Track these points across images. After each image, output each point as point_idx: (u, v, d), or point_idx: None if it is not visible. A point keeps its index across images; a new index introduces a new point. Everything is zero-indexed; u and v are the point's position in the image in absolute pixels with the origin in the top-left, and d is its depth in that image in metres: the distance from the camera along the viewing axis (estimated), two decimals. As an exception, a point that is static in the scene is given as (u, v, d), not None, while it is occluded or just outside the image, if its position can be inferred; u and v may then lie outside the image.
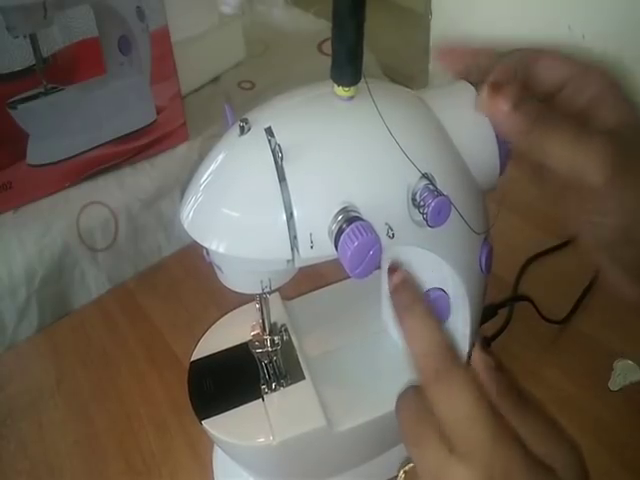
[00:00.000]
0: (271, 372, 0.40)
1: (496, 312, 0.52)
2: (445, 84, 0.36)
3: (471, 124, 0.33)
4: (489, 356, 0.29)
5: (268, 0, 1.04)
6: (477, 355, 0.29)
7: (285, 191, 0.30)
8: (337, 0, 0.27)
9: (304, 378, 0.40)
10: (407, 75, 0.88)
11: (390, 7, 0.90)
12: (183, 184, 0.30)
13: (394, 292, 0.30)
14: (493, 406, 0.26)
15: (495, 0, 0.77)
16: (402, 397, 0.29)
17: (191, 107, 0.75)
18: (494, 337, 0.50)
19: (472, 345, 0.42)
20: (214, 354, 0.42)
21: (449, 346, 0.27)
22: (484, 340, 0.45)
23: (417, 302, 0.29)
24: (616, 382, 0.49)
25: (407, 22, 0.90)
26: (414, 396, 0.28)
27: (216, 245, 0.31)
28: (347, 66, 0.29)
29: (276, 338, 0.40)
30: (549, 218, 0.44)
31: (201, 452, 0.48)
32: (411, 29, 0.86)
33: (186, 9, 0.76)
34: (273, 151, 0.30)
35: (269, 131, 0.30)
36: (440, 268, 0.36)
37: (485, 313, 0.43)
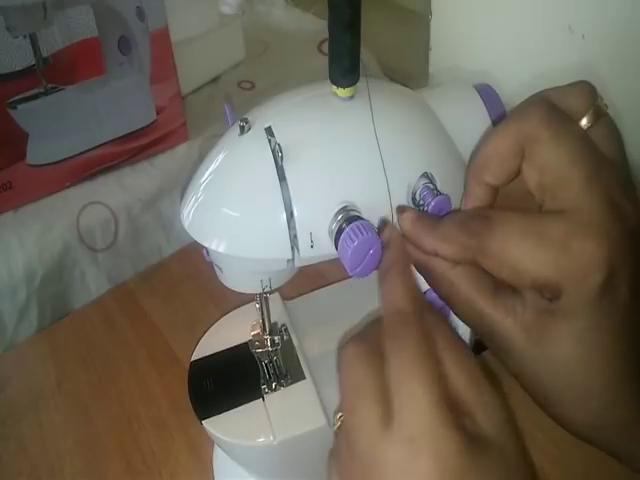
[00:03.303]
0: (271, 372, 0.40)
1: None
2: (445, 83, 0.37)
3: (471, 123, 0.34)
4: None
5: (268, 0, 1.04)
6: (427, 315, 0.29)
7: (285, 190, 0.30)
8: (333, 1, 0.27)
9: (304, 378, 0.40)
10: (407, 75, 0.88)
11: (390, 7, 0.90)
12: (183, 184, 0.30)
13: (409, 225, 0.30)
14: (444, 386, 0.25)
15: (495, 0, 0.77)
16: (347, 348, 0.27)
17: (191, 107, 0.75)
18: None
19: (472, 344, 0.42)
20: (214, 354, 0.42)
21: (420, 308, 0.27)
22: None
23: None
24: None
25: (407, 22, 0.90)
26: (361, 351, 0.27)
27: (216, 245, 0.31)
28: (344, 67, 0.29)
29: (276, 338, 0.40)
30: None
31: (201, 452, 0.48)
32: (411, 29, 0.86)
33: (186, 9, 0.76)
34: (273, 151, 0.30)
35: (269, 131, 0.30)
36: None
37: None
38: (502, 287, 0.29)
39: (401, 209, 0.31)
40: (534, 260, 0.26)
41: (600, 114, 0.29)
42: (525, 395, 0.48)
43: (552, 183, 0.27)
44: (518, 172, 0.29)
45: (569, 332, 0.27)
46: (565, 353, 0.27)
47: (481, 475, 0.23)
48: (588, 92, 0.29)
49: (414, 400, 0.24)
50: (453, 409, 0.24)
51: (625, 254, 0.26)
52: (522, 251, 0.26)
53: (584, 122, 0.29)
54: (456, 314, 0.31)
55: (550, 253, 0.26)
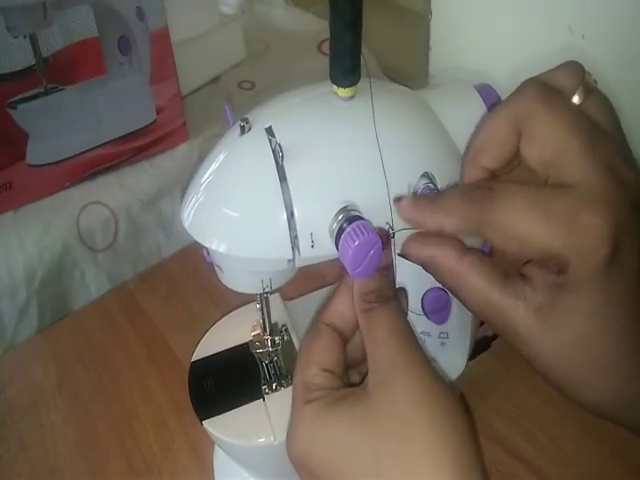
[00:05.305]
0: (272, 372, 0.40)
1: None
2: (445, 83, 0.37)
3: (471, 123, 0.33)
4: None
5: (268, 0, 1.04)
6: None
7: (286, 191, 0.30)
8: (334, 0, 0.27)
9: (305, 378, 0.40)
10: (407, 75, 0.88)
11: (390, 7, 0.90)
12: (183, 184, 0.30)
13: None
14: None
15: (495, 1, 0.77)
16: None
17: (191, 107, 0.75)
18: (494, 337, 0.50)
19: (472, 345, 0.42)
20: (215, 354, 0.42)
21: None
22: (484, 340, 0.45)
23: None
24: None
25: (407, 22, 0.90)
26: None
27: (217, 245, 0.31)
28: (345, 67, 0.29)
29: (277, 338, 0.40)
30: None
31: (201, 452, 0.48)
32: (411, 29, 0.86)
33: (186, 9, 0.76)
34: (274, 151, 0.30)
35: (269, 131, 0.30)
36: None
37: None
38: (510, 275, 0.29)
39: (397, 199, 0.31)
40: (542, 233, 0.26)
41: (590, 90, 0.29)
42: (526, 397, 0.48)
43: (553, 157, 0.28)
44: (515, 155, 0.29)
45: (581, 307, 0.27)
46: (579, 329, 0.27)
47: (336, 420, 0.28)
48: (576, 70, 0.30)
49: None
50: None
51: (630, 224, 0.26)
52: (529, 223, 0.26)
53: (575, 99, 0.29)
54: (467, 307, 0.30)
55: (558, 227, 0.26)
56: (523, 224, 0.27)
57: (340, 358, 0.32)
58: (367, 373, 0.29)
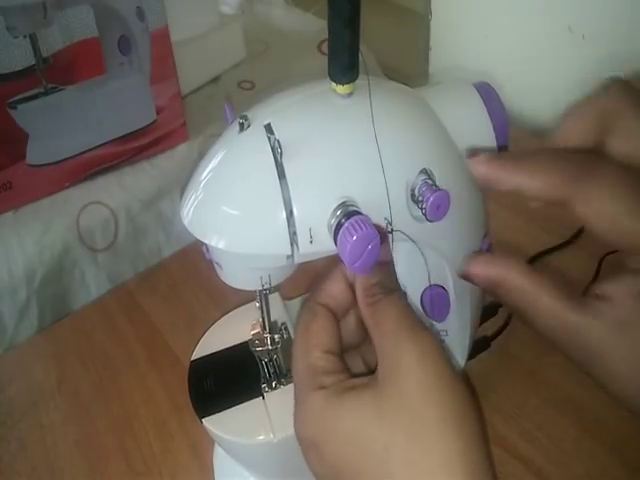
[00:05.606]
0: (271, 370, 0.40)
1: (496, 311, 0.51)
2: (444, 81, 0.37)
3: (470, 120, 0.33)
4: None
5: (268, 0, 1.04)
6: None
7: (284, 187, 0.30)
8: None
9: (304, 376, 0.40)
10: (407, 75, 0.88)
11: (390, 7, 0.90)
12: (183, 184, 0.30)
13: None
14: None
15: (495, 1, 0.77)
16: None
17: (191, 107, 0.76)
18: (494, 336, 0.50)
19: (471, 344, 0.42)
20: (214, 353, 0.42)
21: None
22: (484, 339, 0.45)
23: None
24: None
25: (407, 22, 0.90)
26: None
27: (216, 241, 0.31)
28: (344, 64, 0.29)
29: (276, 336, 0.40)
30: (551, 217, 0.45)
31: (201, 452, 0.48)
32: (411, 29, 0.86)
33: (186, 9, 0.76)
34: (272, 148, 0.30)
35: (268, 128, 0.30)
36: (440, 265, 0.35)
37: (485, 312, 0.43)
38: (582, 295, 0.28)
39: (472, 153, 0.30)
40: (637, 223, 0.26)
41: None
42: (526, 397, 0.48)
43: None
44: (591, 148, 0.30)
45: None
46: None
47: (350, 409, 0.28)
48: None
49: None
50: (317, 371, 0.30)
51: None
52: (627, 208, 0.26)
53: None
54: (535, 328, 0.29)
55: None
56: (620, 207, 0.26)
57: (338, 337, 0.33)
58: (371, 360, 0.29)
